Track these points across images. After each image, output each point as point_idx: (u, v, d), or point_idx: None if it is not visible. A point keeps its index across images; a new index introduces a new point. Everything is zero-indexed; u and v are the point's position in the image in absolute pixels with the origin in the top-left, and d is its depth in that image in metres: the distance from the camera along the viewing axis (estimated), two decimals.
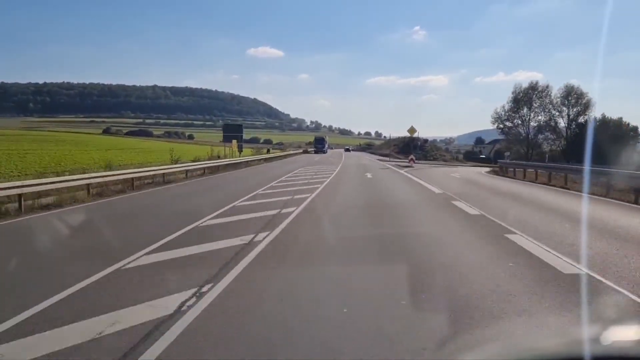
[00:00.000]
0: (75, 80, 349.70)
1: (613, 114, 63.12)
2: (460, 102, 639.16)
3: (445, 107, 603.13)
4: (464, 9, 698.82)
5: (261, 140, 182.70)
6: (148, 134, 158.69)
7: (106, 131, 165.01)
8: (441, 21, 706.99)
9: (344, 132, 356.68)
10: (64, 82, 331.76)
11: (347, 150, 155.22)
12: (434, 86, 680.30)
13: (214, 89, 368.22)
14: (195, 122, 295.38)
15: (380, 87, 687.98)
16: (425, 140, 72.36)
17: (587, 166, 18.17)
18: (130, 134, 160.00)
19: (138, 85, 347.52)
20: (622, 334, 0.91)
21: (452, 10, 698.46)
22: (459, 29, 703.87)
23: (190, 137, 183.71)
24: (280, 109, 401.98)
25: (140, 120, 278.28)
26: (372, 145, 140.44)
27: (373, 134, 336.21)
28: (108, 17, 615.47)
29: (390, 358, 3.56)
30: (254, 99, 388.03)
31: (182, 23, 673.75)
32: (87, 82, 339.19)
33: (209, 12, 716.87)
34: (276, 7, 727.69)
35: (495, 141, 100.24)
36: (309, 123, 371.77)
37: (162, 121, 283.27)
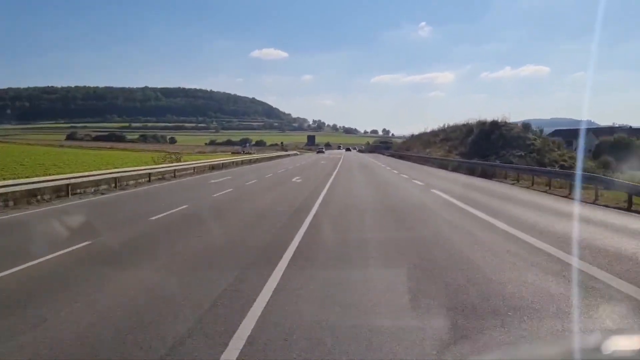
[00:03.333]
0: (61, 84, 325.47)
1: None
2: (467, 98, 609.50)
3: (451, 103, 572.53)
4: (469, 2, 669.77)
5: (253, 142, 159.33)
6: (119, 139, 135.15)
7: (70, 137, 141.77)
8: (447, 16, 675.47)
9: (349, 131, 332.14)
10: (47, 86, 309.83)
11: (348, 150, 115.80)
12: (439, 83, 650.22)
13: (208, 89, 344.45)
14: (186, 125, 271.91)
15: (386, 85, 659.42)
16: (509, 126, 32.74)
17: None
18: (99, 138, 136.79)
19: (127, 87, 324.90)
20: (623, 343, 0.90)
21: (458, 4, 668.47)
22: (465, 23, 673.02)
23: (173, 140, 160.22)
24: (282, 109, 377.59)
25: (126, 124, 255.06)
26: (389, 143, 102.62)
27: (380, 131, 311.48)
28: (106, 20, 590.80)
29: (392, 358, 3.42)
30: (252, 98, 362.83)
31: (185, 26, 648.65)
32: (73, 85, 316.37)
33: (212, 15, 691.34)
34: (280, 8, 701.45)
35: (557, 132, 75.28)
36: (311, 122, 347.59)
37: (150, 124, 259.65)
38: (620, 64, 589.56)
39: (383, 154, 73.69)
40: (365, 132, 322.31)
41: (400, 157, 52.27)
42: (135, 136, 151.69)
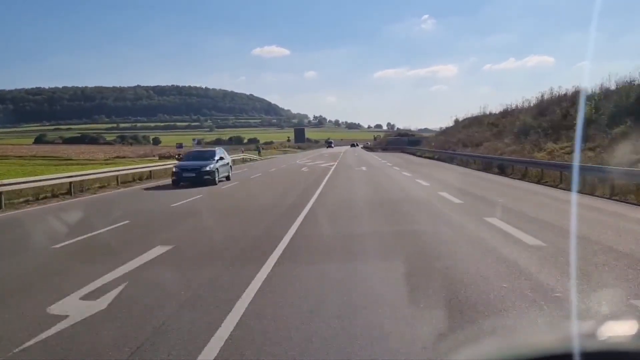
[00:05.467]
0: (52, 85, 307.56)
1: None
2: (470, 90, 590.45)
3: (455, 96, 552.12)
4: None
5: (245, 140, 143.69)
6: (93, 140, 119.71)
7: (39, 140, 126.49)
8: (450, 7, 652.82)
9: (352, 126, 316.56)
10: (34, 87, 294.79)
11: (353, 145, 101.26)
12: (443, 76, 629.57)
13: (203, 86, 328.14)
14: (178, 124, 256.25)
15: (389, 79, 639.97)
16: None
17: None
18: (71, 141, 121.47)
19: (118, 86, 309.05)
20: (618, 329, 0.90)
21: None
22: (468, 14, 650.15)
23: (156, 141, 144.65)
24: (282, 106, 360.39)
25: (114, 125, 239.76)
26: (412, 136, 65.88)
27: (385, 126, 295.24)
28: (105, 21, 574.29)
29: (391, 358, 3.41)
30: (250, 94, 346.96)
31: (186, 26, 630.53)
32: (61, 86, 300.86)
33: (213, 14, 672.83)
34: (281, 5, 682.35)
35: None
36: (312, 118, 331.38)
37: (139, 124, 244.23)
38: (625, 54, 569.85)
39: (413, 155, 45.91)
40: (369, 127, 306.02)
41: (499, 170, 21.72)
42: (113, 137, 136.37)
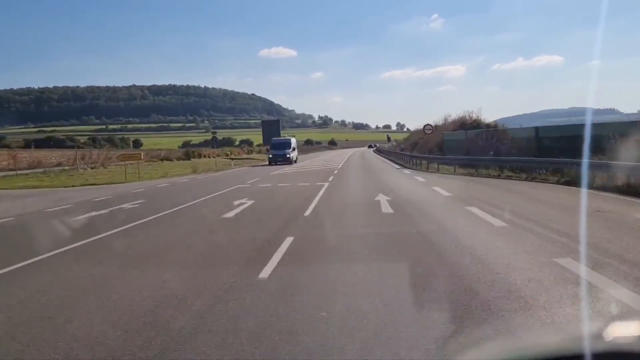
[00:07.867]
0: (41, 85, 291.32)
1: None
2: (479, 90, 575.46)
3: (463, 96, 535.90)
4: None
5: (236, 142, 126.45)
6: (59, 143, 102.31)
7: None
8: (460, 6, 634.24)
9: (359, 127, 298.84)
10: (22, 87, 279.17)
11: (371, 147, 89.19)
12: (451, 76, 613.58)
13: (202, 86, 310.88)
14: (172, 125, 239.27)
15: (396, 80, 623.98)
16: None
17: None
18: (34, 144, 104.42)
19: (112, 85, 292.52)
20: (625, 330, 0.89)
21: None
22: (477, 12, 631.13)
23: (137, 143, 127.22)
24: (288, 106, 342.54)
25: (103, 126, 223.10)
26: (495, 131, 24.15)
27: (394, 126, 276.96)
28: (111, 23, 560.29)
29: (391, 358, 3.34)
30: (252, 94, 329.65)
31: (192, 28, 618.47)
32: (52, 85, 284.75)
33: (220, 16, 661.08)
34: (289, 6, 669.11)
35: None
36: (316, 119, 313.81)
37: (130, 125, 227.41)
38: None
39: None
40: (378, 128, 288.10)
41: None
42: (85, 139, 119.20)
